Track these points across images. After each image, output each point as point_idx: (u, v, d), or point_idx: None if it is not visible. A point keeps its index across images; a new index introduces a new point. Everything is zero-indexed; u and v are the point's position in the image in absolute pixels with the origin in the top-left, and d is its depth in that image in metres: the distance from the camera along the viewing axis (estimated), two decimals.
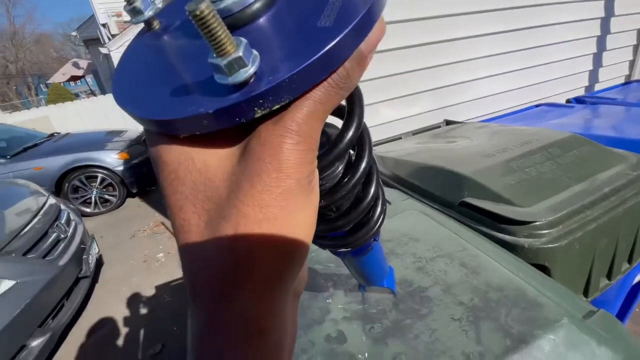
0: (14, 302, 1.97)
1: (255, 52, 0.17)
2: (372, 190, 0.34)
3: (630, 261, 1.25)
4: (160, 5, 0.26)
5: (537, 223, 1.01)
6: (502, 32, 2.10)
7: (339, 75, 0.17)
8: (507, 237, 1.03)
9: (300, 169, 0.17)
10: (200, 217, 0.18)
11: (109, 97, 9.16)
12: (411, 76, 1.86)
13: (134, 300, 2.80)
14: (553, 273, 1.02)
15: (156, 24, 0.25)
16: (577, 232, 1.02)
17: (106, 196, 4.59)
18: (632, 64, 2.69)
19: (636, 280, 1.53)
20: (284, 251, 0.17)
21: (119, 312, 2.68)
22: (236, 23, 0.20)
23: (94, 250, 2.93)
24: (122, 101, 0.22)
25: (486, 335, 0.64)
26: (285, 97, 0.17)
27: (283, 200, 0.17)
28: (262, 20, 0.20)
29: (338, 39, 0.17)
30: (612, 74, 2.68)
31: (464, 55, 2.01)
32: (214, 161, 0.18)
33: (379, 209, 0.38)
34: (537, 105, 2.28)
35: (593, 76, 2.61)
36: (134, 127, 7.74)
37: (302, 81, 0.17)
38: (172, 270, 3.08)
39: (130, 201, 4.86)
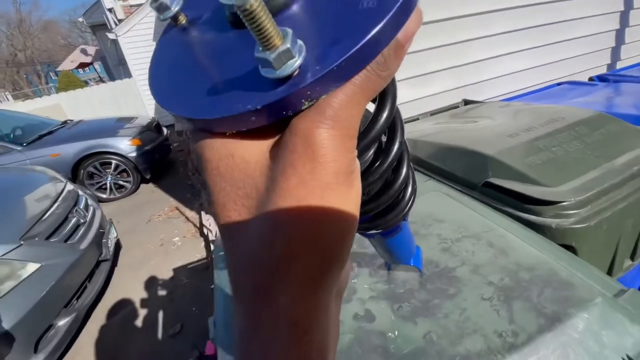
0: (40, 284, 2.05)
1: (300, 42, 0.17)
2: (404, 173, 0.33)
3: None
4: None
5: (566, 203, 0.99)
6: (522, 7, 2.01)
7: (378, 62, 0.16)
8: (533, 218, 1.01)
9: (338, 158, 0.16)
10: (241, 214, 0.17)
11: (118, 83, 9.19)
12: (428, 54, 1.81)
13: (153, 283, 2.87)
14: (579, 253, 1.00)
15: (182, 18, 0.24)
16: (607, 212, 1.00)
17: (121, 182, 4.67)
18: None
19: None
20: (325, 247, 0.16)
21: (138, 294, 2.77)
22: (272, 10, 0.18)
23: (113, 235, 3.00)
24: (164, 102, 0.21)
25: (518, 314, 0.64)
26: (333, 86, 0.16)
27: (321, 193, 0.16)
28: (298, 4, 0.19)
29: (386, 19, 0.16)
30: (636, 51, 2.56)
31: (482, 32, 1.94)
32: (253, 157, 0.17)
33: (409, 191, 0.37)
34: (558, 84, 2.20)
35: (615, 53, 2.50)
36: (144, 114, 7.80)
37: (350, 68, 0.16)
38: (188, 254, 3.15)
39: (144, 187, 4.94)
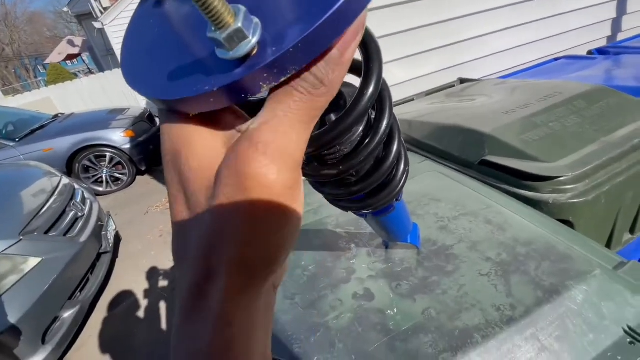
0: (42, 278, 2.05)
1: (256, 20, 0.15)
2: (394, 150, 0.32)
3: None
4: None
5: (563, 178, 0.98)
6: None
7: (309, 81, 0.16)
8: (530, 194, 1.01)
9: (274, 188, 0.16)
10: (184, 211, 0.18)
11: (108, 74, 9.01)
12: (422, 32, 1.76)
13: (154, 273, 2.89)
14: (577, 228, 1.00)
15: None
16: (605, 185, 0.99)
17: (116, 175, 4.64)
18: None
19: None
20: (259, 251, 0.17)
21: (140, 284, 2.79)
22: None
23: (112, 227, 2.99)
24: (130, 79, 0.20)
25: (516, 288, 0.64)
26: (291, 69, 0.15)
27: (248, 226, 0.16)
28: None
29: None
30: (637, 22, 2.51)
31: (478, 7, 1.89)
32: (208, 151, 0.17)
33: (401, 169, 0.36)
34: (557, 59, 2.16)
35: (616, 25, 2.45)
36: (135, 105, 7.69)
37: (309, 49, 0.15)
38: None
39: (140, 179, 4.91)
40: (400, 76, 1.81)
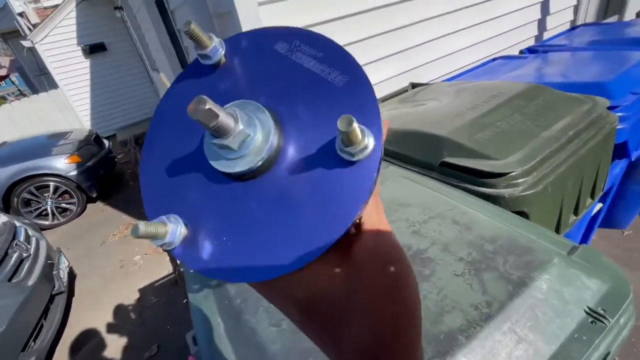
0: None
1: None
2: None
3: (592, 196, 1.38)
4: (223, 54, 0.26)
5: (514, 173, 1.07)
6: None
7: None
8: (488, 190, 1.09)
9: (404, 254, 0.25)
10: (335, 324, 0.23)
11: (43, 96, 8.26)
12: (374, 41, 1.83)
13: (118, 307, 2.69)
14: (531, 217, 1.09)
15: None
16: (550, 176, 1.10)
17: (63, 205, 4.26)
18: (576, 8, 2.83)
19: (595, 211, 1.69)
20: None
21: (104, 321, 2.58)
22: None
23: (64, 264, 2.75)
24: (217, 272, 0.22)
25: (490, 284, 0.68)
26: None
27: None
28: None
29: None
30: (559, 21, 2.81)
31: (421, 15, 2.00)
32: (323, 282, 0.22)
33: None
34: (494, 59, 2.35)
35: (542, 25, 2.72)
36: (79, 127, 7.13)
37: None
38: (153, 271, 2.98)
39: (91, 207, 4.56)
40: None
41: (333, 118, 0.20)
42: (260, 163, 0.21)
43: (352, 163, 0.21)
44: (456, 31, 2.20)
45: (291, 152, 0.22)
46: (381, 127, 0.21)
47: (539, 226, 0.91)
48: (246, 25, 1.51)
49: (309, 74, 0.22)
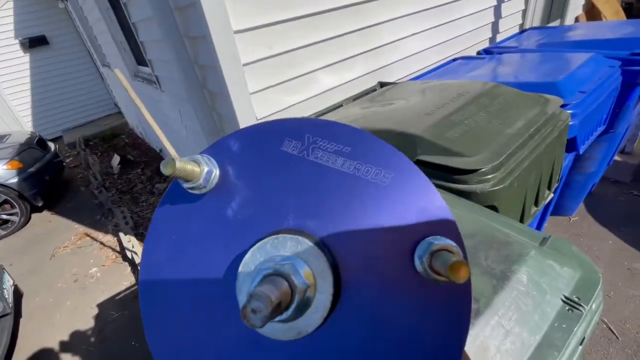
0: None
1: None
2: None
3: (549, 188, 1.48)
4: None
5: (484, 169, 1.12)
6: None
7: None
8: (461, 187, 1.13)
9: None
10: None
11: None
12: (345, 39, 1.83)
13: (75, 326, 2.48)
14: (500, 210, 1.15)
15: None
16: (515, 171, 1.16)
17: (3, 216, 3.84)
18: (524, 13, 3.04)
19: (547, 200, 1.83)
20: None
21: (57, 343, 2.36)
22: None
23: (8, 282, 2.47)
24: None
25: (475, 280, 0.70)
26: None
27: None
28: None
29: None
30: (509, 24, 3.00)
31: (389, 15, 2.04)
32: None
33: None
34: (454, 59, 2.45)
35: (495, 27, 2.89)
36: (18, 129, 6.46)
37: None
38: (112, 284, 2.78)
39: (37, 217, 4.16)
40: (328, 82, 1.86)
41: (390, 229, 0.17)
42: (326, 313, 0.17)
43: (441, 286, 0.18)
44: (420, 32, 2.27)
45: (354, 290, 0.18)
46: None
47: (511, 220, 0.95)
48: (212, 18, 1.43)
49: (341, 177, 0.19)
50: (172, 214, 0.22)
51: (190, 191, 0.21)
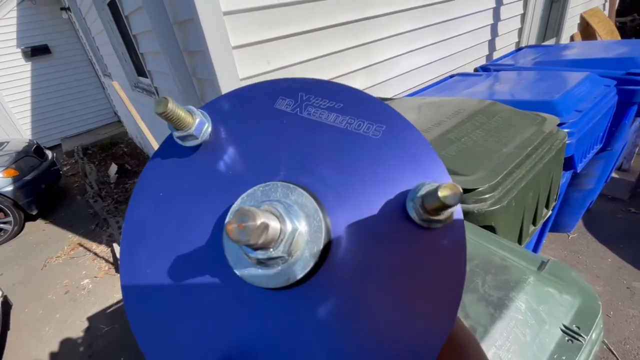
0: None
1: None
2: None
3: (547, 206, 1.47)
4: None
5: (481, 189, 1.11)
6: (419, 7, 2.19)
7: None
8: None
9: None
10: None
11: None
12: (343, 56, 1.85)
13: (64, 339, 2.41)
14: (497, 230, 1.14)
15: None
16: (513, 191, 1.15)
17: None
18: (520, 31, 3.09)
19: (545, 218, 1.82)
20: None
21: (46, 355, 2.30)
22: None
23: None
24: None
25: (472, 308, 0.68)
26: None
27: None
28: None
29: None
30: (506, 42, 3.04)
31: (387, 32, 2.06)
32: None
33: None
34: (451, 76, 2.48)
35: (492, 45, 2.93)
36: (16, 136, 6.45)
37: None
38: (104, 296, 2.72)
39: (31, 225, 4.11)
40: None
41: (381, 179, 0.17)
42: (317, 260, 0.17)
43: (434, 230, 0.18)
44: (417, 49, 2.29)
45: (346, 236, 0.18)
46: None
47: (508, 242, 0.94)
48: (210, 33, 1.44)
49: (333, 131, 0.19)
50: (162, 168, 0.21)
51: (181, 142, 0.20)
